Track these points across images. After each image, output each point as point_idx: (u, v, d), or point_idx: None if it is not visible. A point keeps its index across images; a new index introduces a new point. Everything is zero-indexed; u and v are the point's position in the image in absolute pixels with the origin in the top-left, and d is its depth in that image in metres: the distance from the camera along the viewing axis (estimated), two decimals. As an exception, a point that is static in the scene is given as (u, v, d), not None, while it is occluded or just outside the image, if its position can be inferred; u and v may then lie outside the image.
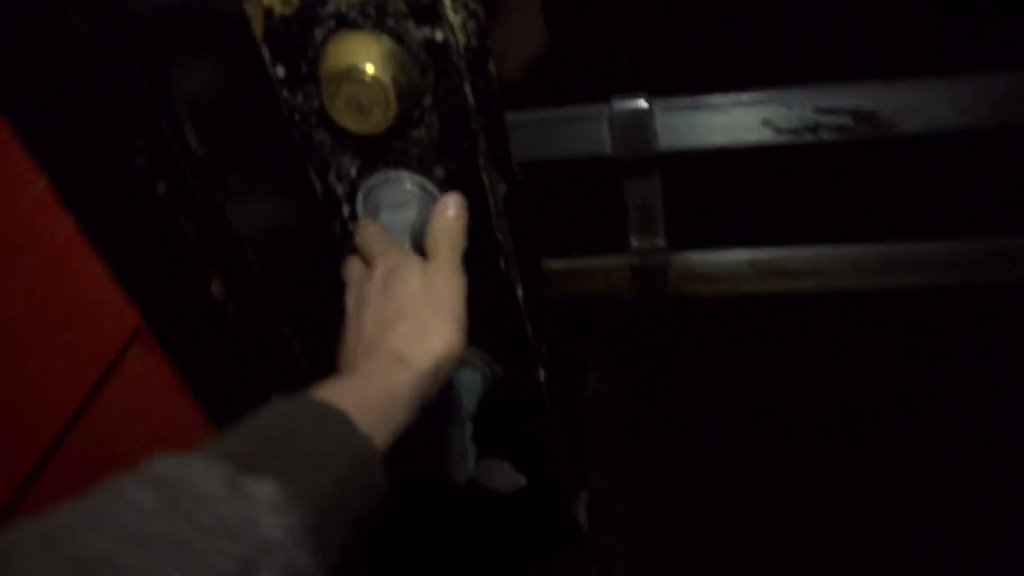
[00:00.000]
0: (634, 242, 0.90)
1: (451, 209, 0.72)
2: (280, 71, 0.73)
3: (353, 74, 0.67)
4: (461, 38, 0.67)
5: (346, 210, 0.81)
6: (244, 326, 0.70)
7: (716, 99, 0.78)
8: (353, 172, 0.78)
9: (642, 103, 0.79)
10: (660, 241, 0.89)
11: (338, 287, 0.77)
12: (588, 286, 0.94)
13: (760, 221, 2.34)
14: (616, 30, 2.28)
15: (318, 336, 0.78)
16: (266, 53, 0.72)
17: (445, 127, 0.72)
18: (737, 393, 2.15)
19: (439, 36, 0.67)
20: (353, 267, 0.76)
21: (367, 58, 0.67)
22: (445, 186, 0.76)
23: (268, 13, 0.70)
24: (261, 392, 0.74)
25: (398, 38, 0.68)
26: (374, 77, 0.67)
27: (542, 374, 0.89)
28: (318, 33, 0.70)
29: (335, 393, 0.59)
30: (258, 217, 0.70)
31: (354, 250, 0.77)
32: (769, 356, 2.18)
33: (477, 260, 0.80)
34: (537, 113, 0.84)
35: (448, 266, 0.70)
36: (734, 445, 2.03)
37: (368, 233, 0.75)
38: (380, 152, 0.75)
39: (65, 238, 0.62)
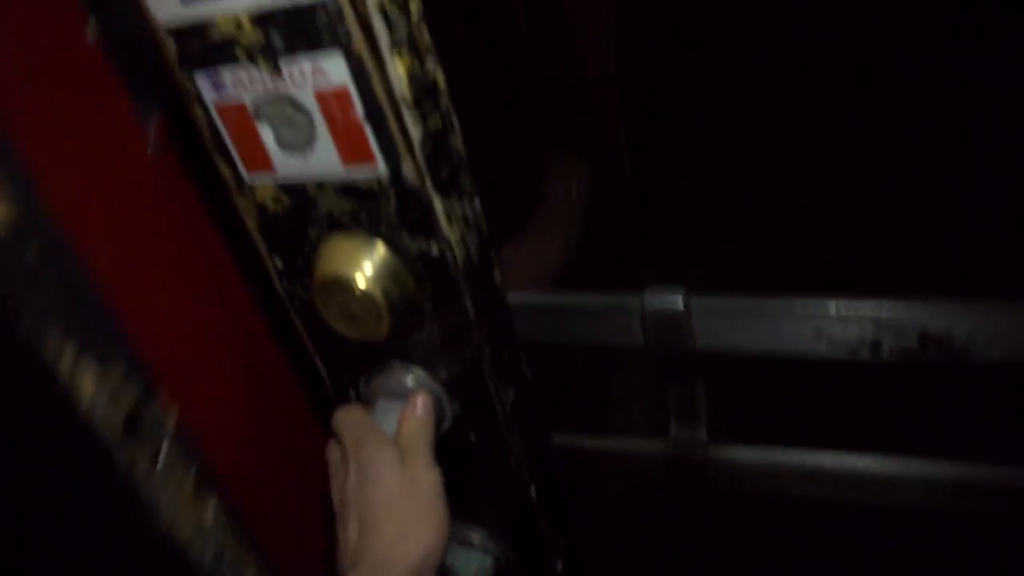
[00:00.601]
0: (673, 430, 0.81)
1: (420, 408, 0.69)
2: (278, 262, 0.68)
3: (344, 285, 0.62)
4: (459, 252, 0.61)
5: (353, 394, 0.75)
6: None
7: (761, 304, 0.69)
8: (356, 361, 0.72)
9: (678, 303, 0.70)
10: (701, 433, 0.80)
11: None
12: (614, 467, 0.86)
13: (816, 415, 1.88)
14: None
15: None
16: (261, 244, 0.67)
17: (446, 335, 0.66)
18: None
19: (435, 251, 0.61)
20: (333, 456, 0.72)
21: (358, 268, 0.62)
22: (449, 387, 0.70)
23: (261, 208, 0.65)
24: None
25: (392, 244, 0.62)
26: (365, 291, 0.61)
27: (559, 564, 0.82)
28: (311, 232, 0.64)
29: None
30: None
31: (333, 435, 0.73)
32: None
33: (485, 461, 0.74)
34: (566, 297, 0.76)
35: (424, 462, 0.67)
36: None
37: (345, 420, 0.71)
38: (381, 350, 0.70)
39: None
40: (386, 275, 0.62)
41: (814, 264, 2.17)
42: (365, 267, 0.62)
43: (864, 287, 0.69)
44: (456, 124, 0.58)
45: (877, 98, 2.61)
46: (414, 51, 0.54)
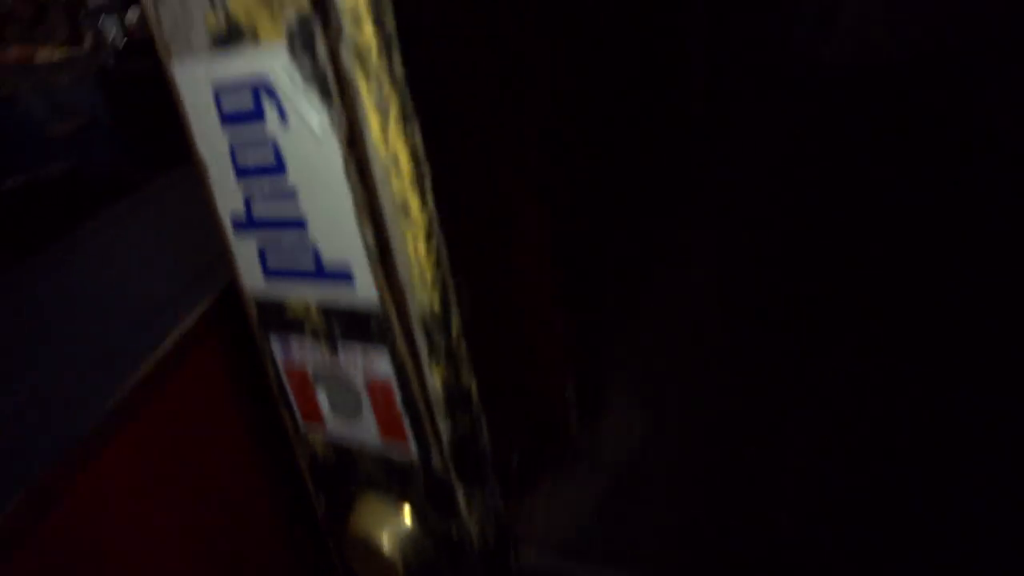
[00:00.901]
0: None
1: None
2: (322, 499, 0.73)
3: (370, 546, 0.66)
4: (476, 537, 0.64)
5: (376, 625, 0.79)
6: None
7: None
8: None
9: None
10: None
11: None
12: None
13: None
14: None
15: None
16: (310, 482, 0.73)
17: (460, 602, 0.69)
18: None
19: (455, 531, 0.64)
20: None
21: (384, 532, 0.66)
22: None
23: (312, 455, 0.71)
24: None
25: (419, 515, 0.66)
26: (387, 557, 0.65)
27: None
28: (352, 484, 0.69)
29: None
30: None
31: None
32: None
33: None
34: (577, 567, 0.78)
35: None
36: None
37: None
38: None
39: None
40: (408, 544, 0.66)
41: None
42: (391, 534, 0.66)
43: None
44: (484, 427, 0.62)
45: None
46: (451, 363, 0.59)
